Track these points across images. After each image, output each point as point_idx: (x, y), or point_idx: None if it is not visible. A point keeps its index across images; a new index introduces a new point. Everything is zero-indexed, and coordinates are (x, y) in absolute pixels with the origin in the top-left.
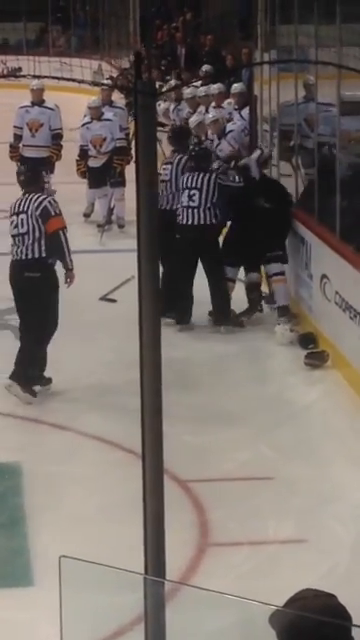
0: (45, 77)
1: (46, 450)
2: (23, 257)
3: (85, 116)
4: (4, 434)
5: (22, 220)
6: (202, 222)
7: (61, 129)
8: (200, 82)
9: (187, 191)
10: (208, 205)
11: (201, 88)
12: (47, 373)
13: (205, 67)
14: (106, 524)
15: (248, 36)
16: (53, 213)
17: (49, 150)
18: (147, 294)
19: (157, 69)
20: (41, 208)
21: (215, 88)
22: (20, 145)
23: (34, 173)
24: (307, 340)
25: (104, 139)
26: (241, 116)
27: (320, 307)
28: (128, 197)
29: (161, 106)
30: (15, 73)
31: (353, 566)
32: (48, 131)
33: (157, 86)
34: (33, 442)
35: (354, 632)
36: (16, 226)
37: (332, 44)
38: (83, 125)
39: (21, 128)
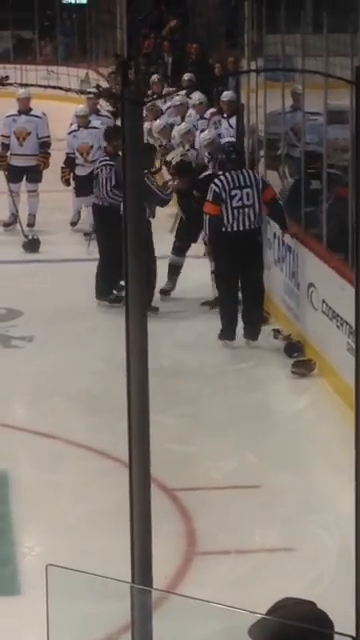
0: (32, 85)
1: (33, 458)
2: (252, 226)
3: (72, 124)
4: None
5: (248, 193)
6: None
7: (49, 137)
8: (185, 91)
9: None
10: None
11: (176, 98)
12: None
13: (187, 76)
14: (93, 532)
15: (235, 45)
16: (268, 183)
17: (37, 159)
18: (134, 303)
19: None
20: (261, 181)
21: (196, 99)
22: (8, 154)
23: (239, 154)
24: (292, 348)
25: (91, 147)
26: (229, 124)
27: (307, 316)
28: None
29: (156, 123)
30: (2, 81)
31: (339, 574)
32: (36, 139)
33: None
34: (20, 450)
35: (336, 639)
36: (240, 199)
37: (319, 54)
38: (70, 133)
39: (8, 137)
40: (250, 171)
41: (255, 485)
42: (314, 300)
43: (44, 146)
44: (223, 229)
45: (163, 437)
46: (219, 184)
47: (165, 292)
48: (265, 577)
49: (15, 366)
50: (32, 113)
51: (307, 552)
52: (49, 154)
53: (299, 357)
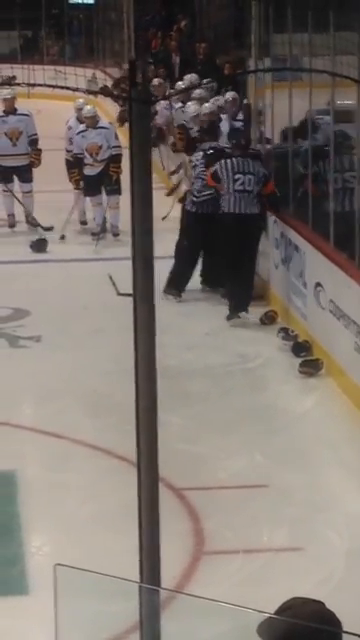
0: (39, 85)
1: (41, 458)
2: (248, 211)
3: (67, 121)
4: None
5: (250, 180)
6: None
7: (36, 134)
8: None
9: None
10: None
11: (197, 91)
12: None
13: (186, 81)
14: (101, 532)
15: (242, 45)
16: (269, 177)
17: (30, 157)
18: (142, 303)
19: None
20: (262, 172)
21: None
22: None
23: (247, 141)
24: (300, 348)
25: (100, 147)
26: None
27: (314, 315)
28: (123, 205)
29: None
30: (9, 81)
31: (347, 574)
32: (26, 138)
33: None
34: (28, 450)
35: (345, 638)
36: (242, 183)
37: (326, 53)
38: (78, 133)
39: None
40: (255, 161)
41: (263, 485)
42: (321, 299)
43: (34, 143)
44: (221, 210)
45: (171, 437)
46: (223, 165)
47: None
48: (273, 577)
49: (22, 366)
50: (19, 112)
51: (315, 552)
52: (40, 150)
53: (307, 357)
